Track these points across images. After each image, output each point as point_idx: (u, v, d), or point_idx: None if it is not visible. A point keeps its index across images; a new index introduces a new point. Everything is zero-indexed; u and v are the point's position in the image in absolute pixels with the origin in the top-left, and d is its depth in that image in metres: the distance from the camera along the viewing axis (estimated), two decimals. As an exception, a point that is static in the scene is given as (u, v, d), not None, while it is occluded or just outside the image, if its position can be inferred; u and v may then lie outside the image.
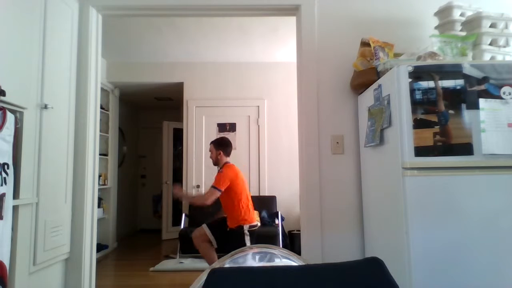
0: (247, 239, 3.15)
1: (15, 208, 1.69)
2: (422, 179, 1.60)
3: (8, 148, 1.62)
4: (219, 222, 3.34)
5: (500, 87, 1.64)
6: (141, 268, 4.09)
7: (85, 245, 2.21)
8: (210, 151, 3.40)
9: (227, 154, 3.37)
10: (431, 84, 1.64)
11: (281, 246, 4.13)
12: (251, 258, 1.10)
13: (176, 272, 3.90)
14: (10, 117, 1.63)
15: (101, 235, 4.69)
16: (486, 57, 1.88)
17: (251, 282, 0.88)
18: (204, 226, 3.28)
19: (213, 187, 3.15)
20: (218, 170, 3.32)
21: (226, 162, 3.33)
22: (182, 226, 4.68)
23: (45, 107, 1.93)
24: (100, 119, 3.27)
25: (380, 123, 1.83)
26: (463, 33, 2.00)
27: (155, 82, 5.12)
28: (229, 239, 3.22)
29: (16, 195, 1.69)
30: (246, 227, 3.17)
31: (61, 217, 2.09)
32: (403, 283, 1.57)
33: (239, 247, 3.39)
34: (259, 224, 3.38)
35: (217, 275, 0.89)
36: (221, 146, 3.35)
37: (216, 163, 3.38)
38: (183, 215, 4.80)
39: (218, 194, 3.12)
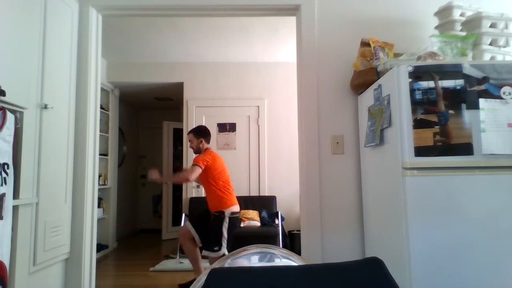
0: (225, 226, 3.09)
1: (15, 208, 1.69)
2: (422, 179, 1.60)
3: (8, 148, 1.62)
4: (201, 216, 3.33)
5: (500, 87, 1.64)
6: (141, 268, 4.09)
7: (85, 245, 2.22)
8: (190, 140, 3.39)
9: (208, 142, 3.40)
10: (431, 84, 1.64)
11: (281, 246, 4.13)
12: (251, 258, 1.10)
13: (176, 272, 3.90)
14: (10, 117, 1.63)
15: (101, 235, 4.69)
16: (486, 57, 1.88)
17: (251, 282, 0.88)
18: (187, 223, 3.29)
19: (193, 164, 3.17)
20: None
21: (207, 148, 3.36)
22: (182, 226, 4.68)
23: (45, 107, 1.93)
24: (100, 119, 3.27)
25: (380, 123, 1.83)
26: (463, 33, 2.00)
27: (155, 82, 5.12)
28: (210, 226, 3.18)
29: (16, 195, 1.69)
30: (227, 213, 3.13)
31: (61, 217, 2.09)
32: (403, 283, 1.57)
33: (216, 234, 3.23)
34: (238, 210, 3.28)
35: (217, 275, 0.89)
36: (202, 134, 3.37)
37: (197, 151, 3.39)
38: (183, 215, 4.80)
39: (199, 170, 3.12)
